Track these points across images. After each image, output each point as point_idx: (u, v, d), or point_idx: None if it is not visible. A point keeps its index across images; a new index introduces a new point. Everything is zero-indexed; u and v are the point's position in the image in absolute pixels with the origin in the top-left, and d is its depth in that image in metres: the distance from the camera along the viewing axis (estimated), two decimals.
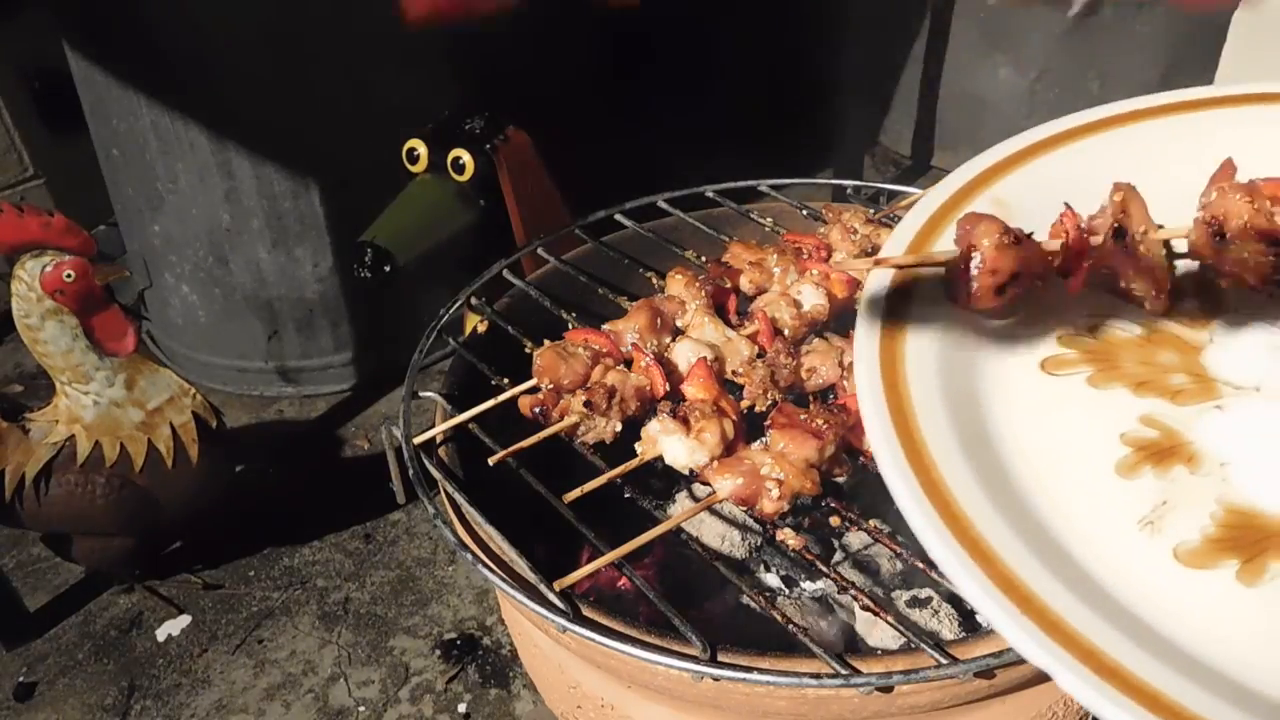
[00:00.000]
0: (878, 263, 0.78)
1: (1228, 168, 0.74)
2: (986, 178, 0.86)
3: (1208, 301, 0.79)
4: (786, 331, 1.04)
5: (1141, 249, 0.75)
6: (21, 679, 1.72)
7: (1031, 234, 0.75)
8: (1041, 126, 0.89)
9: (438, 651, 1.72)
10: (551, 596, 0.82)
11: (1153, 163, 0.82)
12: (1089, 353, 0.76)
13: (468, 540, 0.92)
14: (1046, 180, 0.84)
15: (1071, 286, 0.77)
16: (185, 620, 1.81)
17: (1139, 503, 0.64)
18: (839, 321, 1.10)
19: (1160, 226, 0.76)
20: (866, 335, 0.73)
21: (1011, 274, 0.73)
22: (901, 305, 0.76)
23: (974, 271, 0.73)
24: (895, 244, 0.81)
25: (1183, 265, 0.79)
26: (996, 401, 0.71)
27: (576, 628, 0.80)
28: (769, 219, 1.32)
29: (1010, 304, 0.76)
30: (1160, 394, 0.72)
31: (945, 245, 0.78)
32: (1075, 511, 0.63)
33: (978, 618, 1.09)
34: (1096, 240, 0.75)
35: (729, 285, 1.11)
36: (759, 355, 1.01)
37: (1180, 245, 0.77)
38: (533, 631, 1.02)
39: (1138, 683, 0.50)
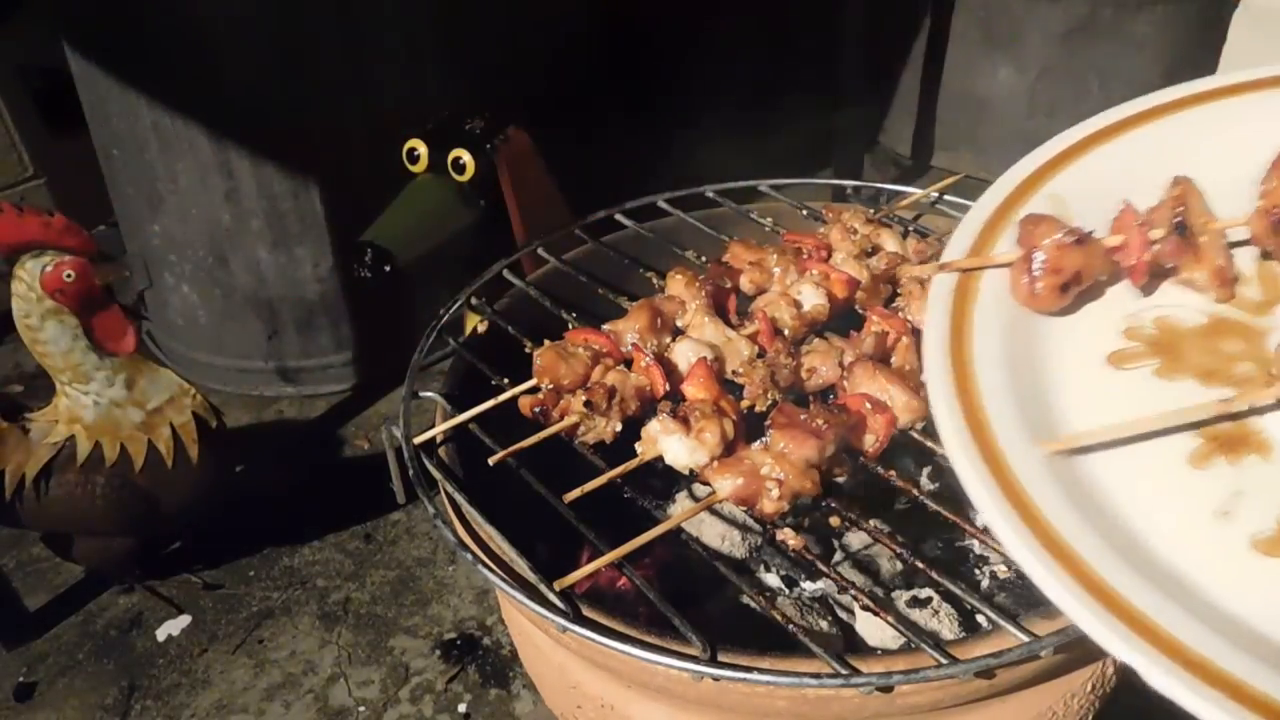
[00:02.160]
0: (942, 266, 0.78)
1: None
2: (1042, 174, 0.85)
3: (1270, 288, 0.78)
4: (786, 331, 1.04)
5: (1202, 240, 0.75)
6: (21, 679, 1.72)
7: (1091, 232, 0.75)
8: (1093, 119, 0.88)
9: (438, 651, 1.72)
10: (551, 596, 0.82)
11: (1205, 150, 0.82)
12: (1154, 345, 0.75)
13: (468, 540, 0.92)
14: (1101, 173, 0.84)
15: (1133, 280, 0.77)
16: (185, 620, 1.81)
17: (1213, 493, 0.64)
18: (839, 321, 1.10)
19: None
20: (934, 338, 0.73)
21: (1074, 273, 0.74)
22: (965, 307, 0.76)
23: (1037, 272, 0.73)
24: (957, 245, 0.81)
25: (1243, 252, 0.78)
26: (1066, 398, 0.71)
27: (576, 628, 0.80)
28: (769, 219, 1.32)
29: (1073, 301, 0.76)
30: (1229, 383, 0.71)
31: (1006, 244, 0.79)
32: (1150, 504, 0.63)
33: (978, 618, 1.09)
34: (1157, 234, 0.75)
35: (729, 285, 1.11)
36: (759, 355, 1.01)
37: (1237, 234, 0.77)
38: (533, 631, 1.02)
39: (1222, 674, 0.50)
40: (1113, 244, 0.76)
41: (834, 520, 1.19)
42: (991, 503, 0.61)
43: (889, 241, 1.18)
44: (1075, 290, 0.75)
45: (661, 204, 1.37)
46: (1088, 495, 0.63)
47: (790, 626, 0.81)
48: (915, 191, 1.36)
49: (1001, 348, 0.73)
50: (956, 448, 0.65)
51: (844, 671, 0.76)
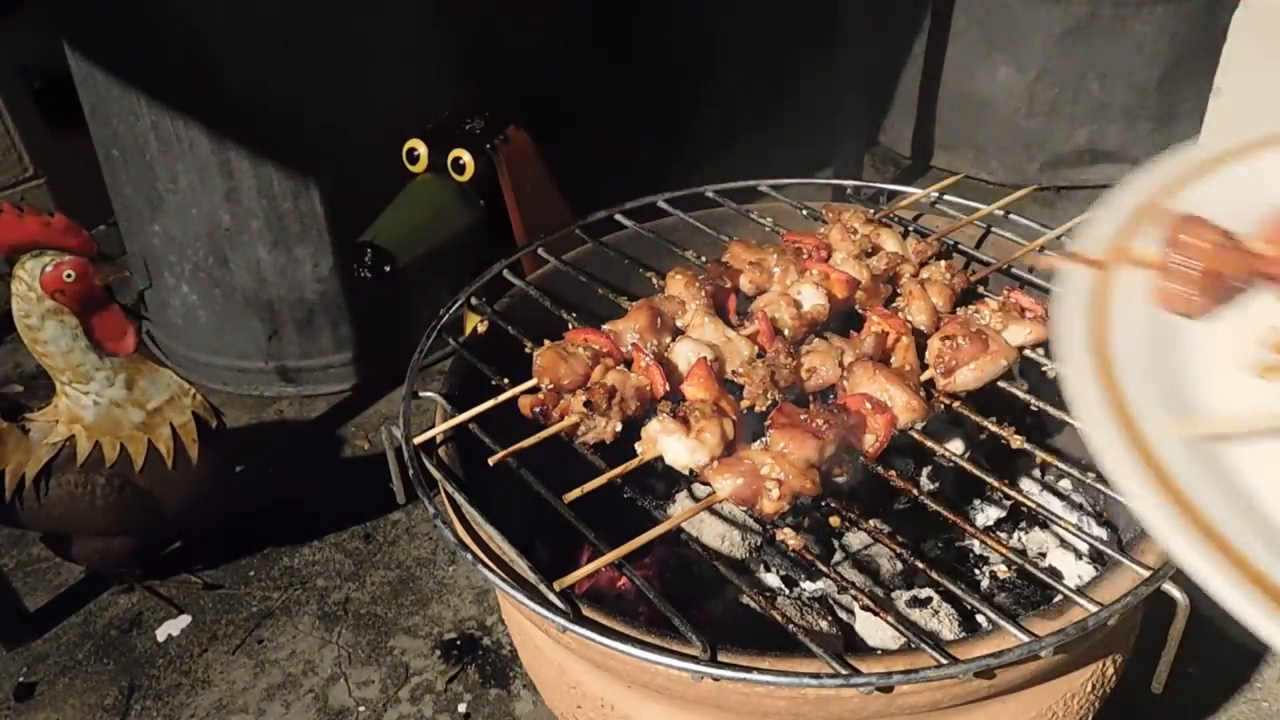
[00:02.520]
0: (1076, 259, 0.77)
1: None
2: (1180, 181, 0.84)
3: None
4: (786, 331, 1.04)
5: None
6: (21, 679, 1.72)
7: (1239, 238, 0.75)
8: (1231, 136, 0.88)
9: (438, 651, 1.72)
10: (551, 596, 0.82)
11: None
12: None
13: (468, 540, 0.92)
14: (1240, 188, 0.83)
15: None
16: (185, 620, 1.81)
17: None
18: (839, 321, 1.10)
19: None
20: (1073, 331, 0.72)
21: (1221, 278, 0.73)
22: (1103, 303, 0.75)
23: (1183, 274, 0.72)
24: (1094, 240, 0.80)
25: None
26: (1211, 404, 0.70)
27: (576, 628, 0.80)
28: (769, 219, 1.32)
29: (1216, 308, 0.75)
30: None
31: (1145, 244, 0.77)
32: None
33: (978, 618, 1.09)
34: None
35: (729, 285, 1.11)
36: (759, 355, 1.01)
37: None
38: (533, 631, 1.02)
39: None
40: (1263, 250, 0.75)
41: (834, 520, 1.19)
42: (1144, 492, 0.60)
43: (889, 241, 1.18)
44: (1220, 296, 0.74)
45: (661, 204, 1.37)
46: (1240, 493, 0.63)
47: (790, 626, 0.81)
48: (915, 191, 1.36)
49: (1142, 347, 0.72)
50: (1106, 441, 0.63)
51: (844, 671, 0.76)
